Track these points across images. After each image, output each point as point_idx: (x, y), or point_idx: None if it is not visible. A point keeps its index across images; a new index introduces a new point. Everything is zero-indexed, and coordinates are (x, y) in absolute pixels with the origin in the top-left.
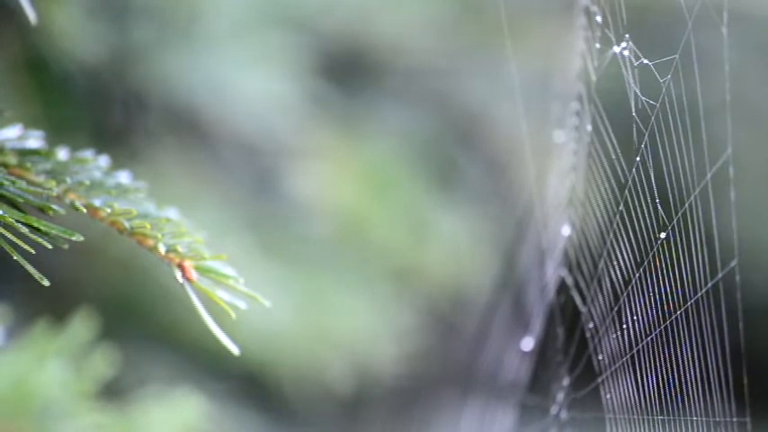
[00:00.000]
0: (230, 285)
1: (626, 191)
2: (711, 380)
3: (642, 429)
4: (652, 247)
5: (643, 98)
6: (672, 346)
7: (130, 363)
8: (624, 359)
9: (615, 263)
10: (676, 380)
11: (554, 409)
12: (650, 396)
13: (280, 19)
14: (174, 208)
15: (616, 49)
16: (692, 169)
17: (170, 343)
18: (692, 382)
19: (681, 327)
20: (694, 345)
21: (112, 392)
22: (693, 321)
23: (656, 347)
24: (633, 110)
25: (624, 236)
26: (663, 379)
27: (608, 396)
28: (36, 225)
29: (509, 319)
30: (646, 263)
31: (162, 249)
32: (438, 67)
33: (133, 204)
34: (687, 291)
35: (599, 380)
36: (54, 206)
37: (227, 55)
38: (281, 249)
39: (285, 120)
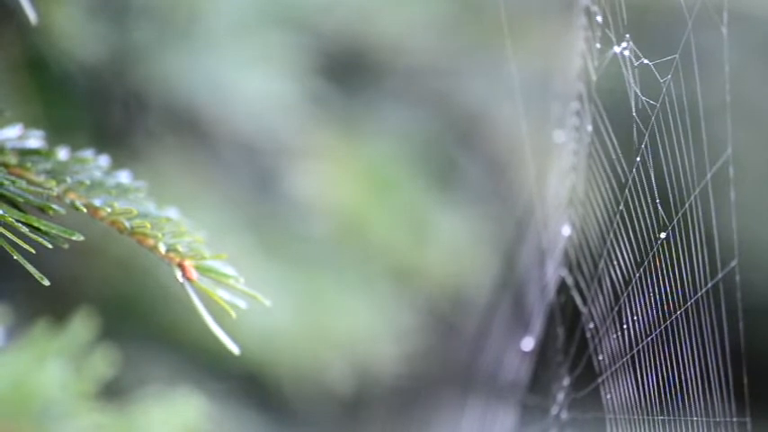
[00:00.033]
0: (230, 285)
1: (626, 191)
2: (711, 380)
3: (642, 429)
4: (652, 247)
5: (643, 98)
6: (672, 346)
7: (130, 363)
8: (624, 359)
9: (615, 263)
10: (676, 380)
11: (554, 410)
12: (650, 396)
13: (280, 19)
14: (175, 208)
15: (617, 48)
16: (693, 169)
17: (170, 343)
18: (692, 382)
19: (681, 327)
20: (694, 345)
21: (112, 392)
22: (693, 321)
23: (656, 347)
24: (633, 110)
25: (624, 236)
26: (663, 379)
27: (608, 396)
28: (36, 225)
29: (509, 319)
30: (646, 263)
31: (162, 249)
32: (438, 67)
33: (133, 204)
34: (687, 291)
35: (599, 380)
36: (54, 206)
37: (227, 55)
38: (281, 249)
39: (285, 120)
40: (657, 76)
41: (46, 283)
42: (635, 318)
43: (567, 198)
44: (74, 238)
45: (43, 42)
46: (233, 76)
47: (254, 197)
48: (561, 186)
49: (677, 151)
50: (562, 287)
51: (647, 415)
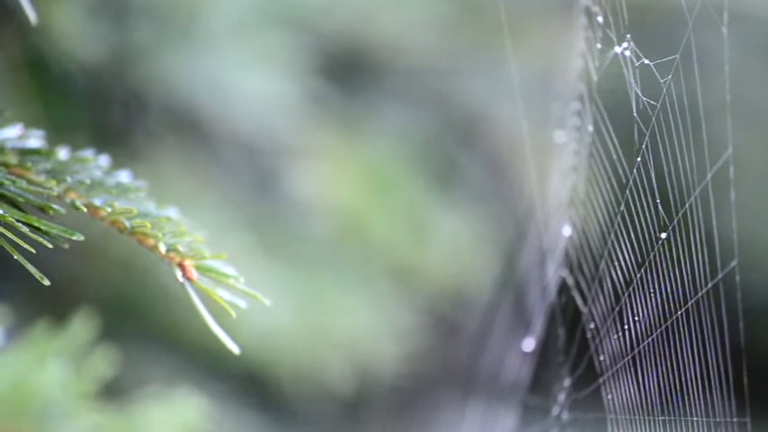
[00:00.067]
0: (230, 285)
1: (627, 191)
2: (712, 380)
3: (643, 430)
4: (653, 248)
5: (644, 98)
6: (672, 346)
7: (130, 363)
8: (625, 360)
9: (616, 263)
10: (677, 380)
11: (555, 410)
12: (651, 396)
13: (280, 19)
14: (175, 207)
15: (617, 49)
16: (693, 169)
17: (170, 343)
18: (692, 382)
19: (681, 327)
20: (695, 345)
21: (112, 392)
22: (694, 321)
23: (656, 348)
24: (634, 110)
25: (625, 236)
26: (664, 379)
27: (609, 397)
28: (36, 224)
29: (510, 320)
30: (647, 263)
31: (162, 249)
32: (438, 67)
33: (133, 204)
34: (688, 291)
35: (600, 380)
36: (54, 205)
37: (227, 55)
38: (281, 249)
39: (285, 120)
40: (658, 76)
41: (46, 282)
42: (636, 318)
43: (568, 198)
44: (74, 237)
45: (43, 42)
46: (233, 76)
47: (254, 197)
48: (562, 186)
49: (678, 151)
50: (563, 287)
51: (648, 415)
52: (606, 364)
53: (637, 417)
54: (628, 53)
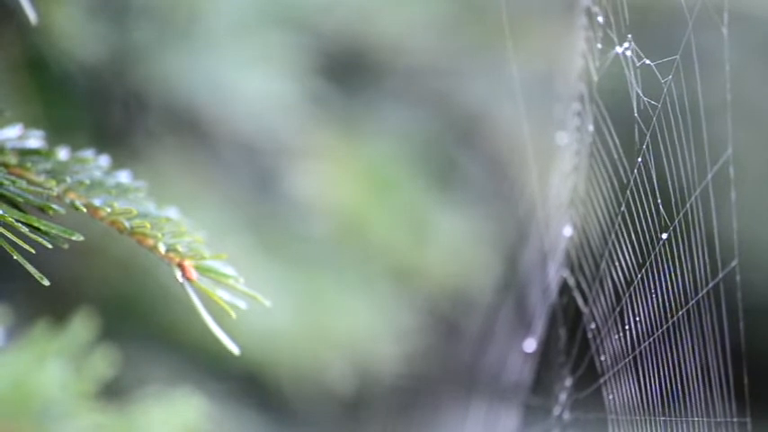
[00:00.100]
0: (230, 285)
1: (627, 191)
2: (712, 380)
3: (644, 430)
4: (653, 248)
5: (645, 98)
6: (673, 346)
7: (130, 363)
8: (626, 360)
9: (617, 263)
10: (677, 380)
11: (557, 410)
12: (652, 397)
13: (280, 19)
14: (174, 207)
15: (618, 49)
16: (693, 169)
17: (170, 343)
18: (693, 383)
19: (682, 327)
20: (695, 345)
21: (112, 392)
22: (695, 321)
23: (657, 348)
24: (635, 110)
25: (626, 236)
26: (664, 379)
27: (610, 397)
28: (36, 225)
29: (511, 320)
30: (647, 263)
31: (162, 249)
32: (438, 68)
33: (133, 204)
34: (688, 291)
35: (601, 381)
36: (54, 206)
37: (227, 55)
38: (281, 249)
39: (285, 120)
40: (659, 76)
41: (46, 283)
42: (636, 318)
43: (569, 198)
44: (74, 238)
45: (43, 42)
46: (233, 76)
47: (254, 197)
48: (563, 187)
49: (678, 151)
50: (564, 288)
51: (649, 415)
52: (607, 364)
53: (637, 417)
54: (628, 53)
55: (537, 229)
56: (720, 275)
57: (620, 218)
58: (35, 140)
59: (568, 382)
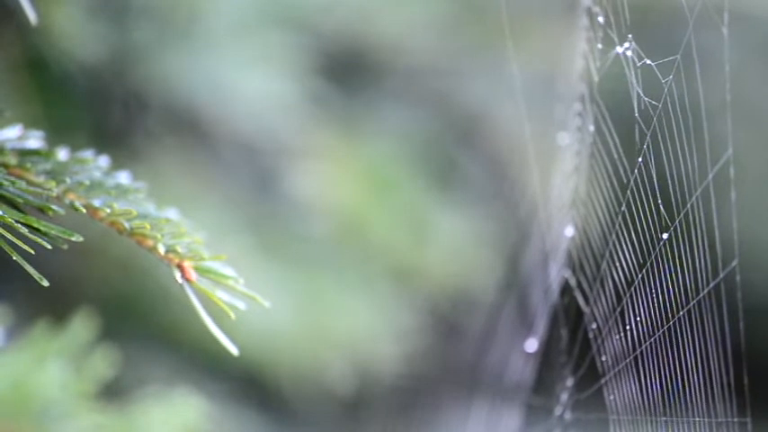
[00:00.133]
0: (230, 286)
1: (628, 191)
2: (713, 380)
3: (645, 430)
4: (654, 248)
5: (645, 98)
6: (674, 346)
7: (130, 363)
8: (627, 360)
9: (618, 264)
10: (678, 380)
11: (558, 410)
12: (653, 397)
13: (280, 19)
14: (174, 208)
15: (619, 49)
16: (694, 170)
17: (170, 343)
18: (693, 383)
19: (682, 327)
20: (696, 345)
21: (112, 392)
22: (695, 321)
23: (658, 348)
24: (636, 110)
25: (626, 237)
26: (665, 379)
27: (611, 397)
28: (36, 225)
29: (513, 320)
30: (648, 263)
31: (161, 250)
32: (439, 68)
33: (133, 205)
34: (689, 291)
35: (603, 381)
36: (54, 206)
37: (227, 55)
38: (281, 249)
39: (285, 120)
40: (659, 76)
41: (45, 283)
42: (637, 318)
43: (570, 199)
44: (73, 238)
45: (43, 42)
46: (233, 76)
47: (254, 197)
48: (564, 187)
49: (679, 151)
50: (565, 288)
51: (650, 415)
52: (608, 364)
53: (639, 417)
54: (629, 53)
55: (538, 229)
56: (721, 275)
57: (620, 218)
58: (35, 141)
59: (570, 382)
